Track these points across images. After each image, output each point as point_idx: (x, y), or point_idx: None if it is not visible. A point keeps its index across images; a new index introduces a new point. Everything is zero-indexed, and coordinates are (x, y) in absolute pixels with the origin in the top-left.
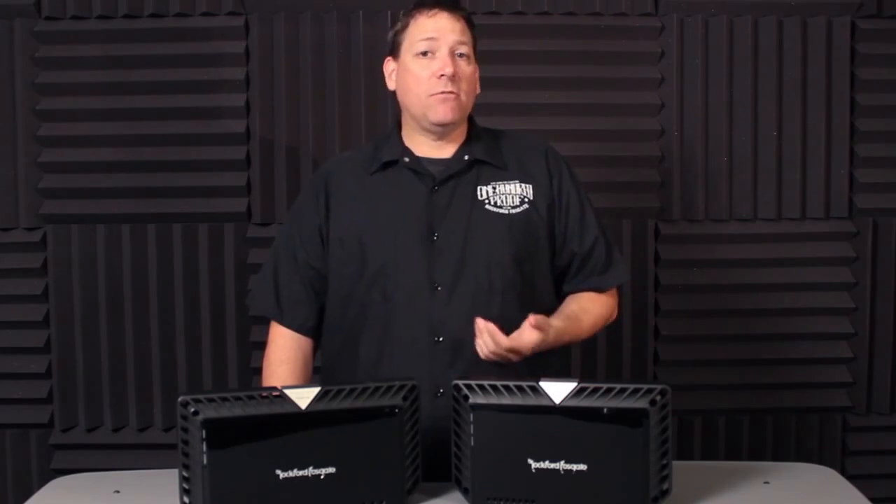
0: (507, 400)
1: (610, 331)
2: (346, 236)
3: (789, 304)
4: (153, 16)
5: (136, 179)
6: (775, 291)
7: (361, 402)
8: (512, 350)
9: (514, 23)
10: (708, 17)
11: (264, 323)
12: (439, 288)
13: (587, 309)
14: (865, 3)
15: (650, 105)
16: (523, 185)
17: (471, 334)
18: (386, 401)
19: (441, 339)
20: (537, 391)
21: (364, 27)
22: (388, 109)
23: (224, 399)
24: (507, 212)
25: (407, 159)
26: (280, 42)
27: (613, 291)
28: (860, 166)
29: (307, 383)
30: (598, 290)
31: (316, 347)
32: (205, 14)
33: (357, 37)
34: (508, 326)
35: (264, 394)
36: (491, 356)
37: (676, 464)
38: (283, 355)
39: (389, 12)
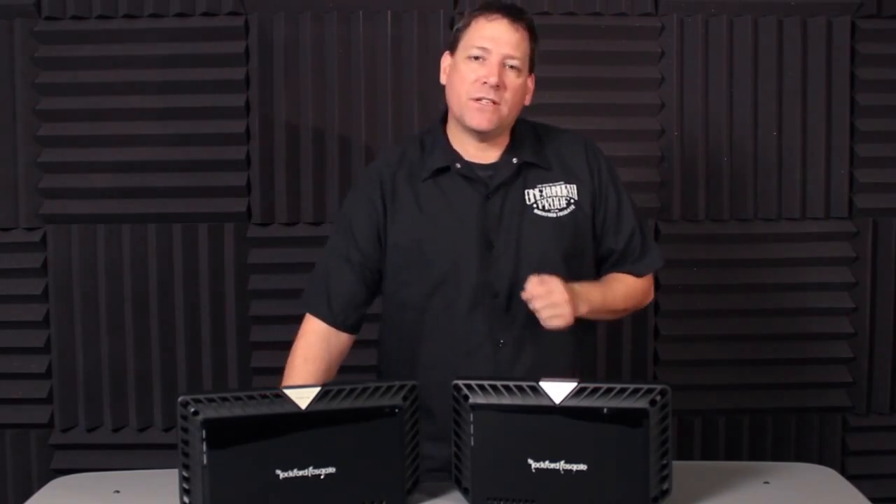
0: (507, 400)
1: (610, 331)
2: (404, 243)
3: (789, 304)
4: (153, 16)
5: (136, 179)
6: (775, 291)
7: (361, 402)
8: (548, 293)
9: None
10: (708, 17)
11: (264, 323)
12: (498, 295)
13: (619, 278)
14: (865, 3)
15: (650, 105)
16: (568, 185)
17: (529, 337)
18: (386, 401)
19: (503, 342)
20: (537, 391)
21: (364, 27)
22: (387, 109)
23: (224, 399)
24: (554, 215)
25: (458, 165)
26: (280, 42)
27: (648, 276)
28: (860, 166)
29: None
30: (633, 275)
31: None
32: (205, 14)
33: (357, 37)
34: None
35: (264, 394)
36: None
37: (676, 464)
38: (310, 354)
39: (389, 12)
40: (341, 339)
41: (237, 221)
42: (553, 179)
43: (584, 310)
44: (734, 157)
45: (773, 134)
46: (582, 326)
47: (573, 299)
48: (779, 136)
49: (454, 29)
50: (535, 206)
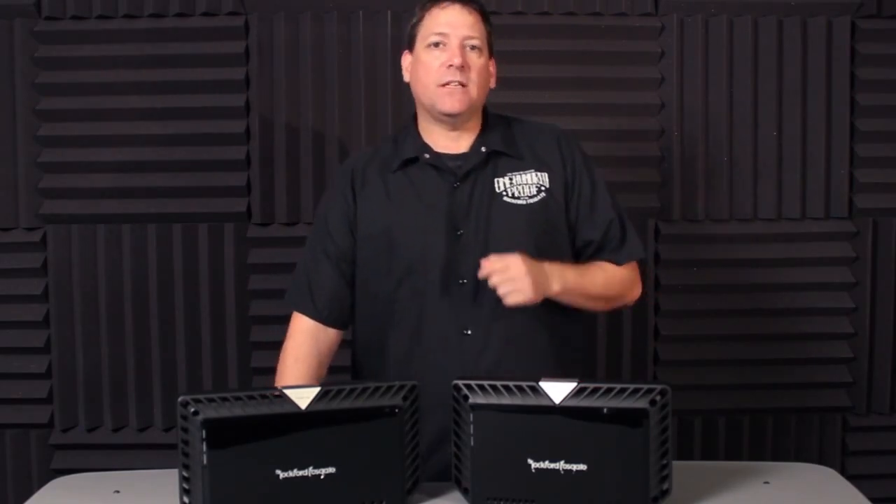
0: (507, 400)
1: (610, 331)
2: (373, 233)
3: (789, 304)
4: (153, 16)
5: (136, 179)
6: (775, 291)
7: (361, 402)
8: (505, 268)
9: (514, 23)
10: (708, 17)
11: (264, 323)
12: (464, 282)
13: (598, 264)
14: (865, 3)
15: (650, 105)
16: (539, 173)
17: (498, 326)
18: (386, 401)
19: (470, 331)
20: (537, 391)
21: (364, 27)
22: (387, 109)
23: (224, 399)
24: (524, 202)
25: (427, 155)
26: (280, 42)
27: (632, 267)
28: (860, 166)
29: (314, 382)
30: (614, 263)
31: (342, 337)
32: (205, 14)
33: (357, 37)
34: (534, 312)
35: (264, 394)
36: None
37: (676, 464)
38: (300, 353)
39: (389, 12)
40: (329, 335)
41: (237, 221)
42: (524, 168)
43: (556, 288)
44: (734, 157)
45: (773, 134)
46: (561, 323)
47: (541, 276)
48: (779, 136)
49: (409, 26)
50: (504, 193)
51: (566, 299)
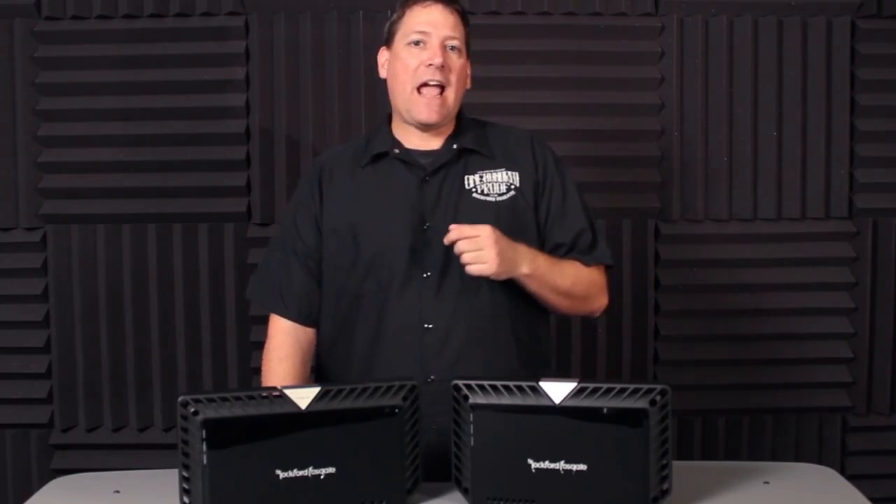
0: (507, 400)
1: (610, 331)
2: (340, 228)
3: (789, 304)
4: (153, 16)
5: (136, 179)
6: (775, 291)
7: (361, 402)
8: (474, 235)
9: (514, 23)
10: (708, 17)
11: (264, 323)
12: (428, 275)
13: (571, 262)
14: (865, 3)
15: (650, 105)
16: (510, 172)
17: (460, 321)
18: (386, 401)
19: (431, 325)
20: (537, 391)
21: (364, 27)
22: (387, 109)
23: (224, 399)
24: (493, 199)
25: (397, 151)
26: (280, 42)
27: (601, 273)
28: (860, 166)
29: (305, 380)
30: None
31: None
32: (205, 14)
33: (357, 37)
34: (498, 310)
35: (264, 394)
36: (465, 253)
37: (676, 464)
38: (283, 353)
39: (390, 12)
40: (308, 333)
41: (237, 221)
42: (495, 166)
43: (525, 270)
44: (734, 157)
45: (773, 134)
46: (526, 323)
47: (510, 253)
48: (779, 136)
49: (388, 23)
50: (474, 190)
51: (533, 287)
